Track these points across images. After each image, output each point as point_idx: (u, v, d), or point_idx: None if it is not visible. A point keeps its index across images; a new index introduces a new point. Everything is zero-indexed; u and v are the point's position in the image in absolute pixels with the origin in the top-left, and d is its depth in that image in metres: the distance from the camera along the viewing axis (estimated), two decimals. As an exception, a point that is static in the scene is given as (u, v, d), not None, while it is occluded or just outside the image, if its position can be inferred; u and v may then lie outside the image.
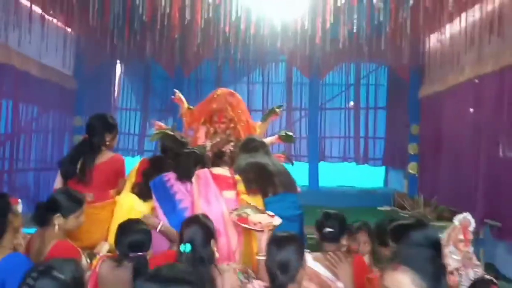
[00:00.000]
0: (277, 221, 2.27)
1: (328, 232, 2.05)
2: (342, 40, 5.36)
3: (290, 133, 3.72)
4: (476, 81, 5.09)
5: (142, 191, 2.91)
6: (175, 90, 3.78)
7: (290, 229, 2.21)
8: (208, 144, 3.48)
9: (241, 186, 2.56)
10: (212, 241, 1.91)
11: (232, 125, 3.45)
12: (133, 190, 2.97)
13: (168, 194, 2.64)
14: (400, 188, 7.23)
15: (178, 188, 2.65)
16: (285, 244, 1.61)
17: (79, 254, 2.26)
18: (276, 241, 1.65)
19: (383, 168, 8.32)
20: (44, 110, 6.19)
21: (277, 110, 3.70)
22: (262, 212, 2.32)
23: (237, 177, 2.65)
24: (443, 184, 5.86)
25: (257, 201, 2.54)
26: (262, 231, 2.20)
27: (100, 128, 2.95)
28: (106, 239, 2.79)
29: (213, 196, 2.51)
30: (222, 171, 2.73)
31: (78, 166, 2.86)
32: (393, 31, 5.61)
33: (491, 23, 4.63)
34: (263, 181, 2.47)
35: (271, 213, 2.32)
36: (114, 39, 5.60)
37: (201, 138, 3.49)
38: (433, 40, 5.98)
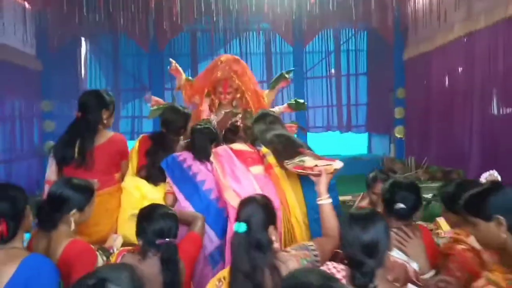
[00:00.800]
0: (338, 164, 1.97)
1: (399, 209, 1.74)
2: (331, 1, 5.14)
3: (301, 100, 3.42)
4: (465, 39, 5.02)
5: (151, 174, 2.58)
6: (171, 60, 3.37)
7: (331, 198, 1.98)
8: (213, 117, 3.15)
9: (271, 159, 2.30)
10: (272, 228, 1.60)
11: (238, 95, 3.11)
12: (138, 174, 2.62)
13: (187, 176, 2.33)
14: (384, 154, 7.21)
15: (198, 169, 2.35)
16: (371, 222, 1.35)
17: (96, 253, 1.95)
18: (359, 219, 1.37)
19: (366, 135, 8.27)
20: (8, 95, 5.57)
21: (287, 75, 3.37)
22: (320, 158, 2.06)
23: (263, 149, 2.37)
24: (433, 145, 5.86)
25: (291, 172, 2.29)
26: (319, 175, 1.90)
27: (96, 105, 2.55)
28: (115, 232, 2.47)
29: (241, 173, 2.23)
30: (242, 146, 2.45)
31: (76, 149, 2.47)
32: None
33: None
34: (294, 152, 2.22)
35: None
36: (79, 13, 5.06)
37: (205, 112, 3.15)
38: None
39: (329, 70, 7.81)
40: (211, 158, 2.39)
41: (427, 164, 5.74)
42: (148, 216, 1.89)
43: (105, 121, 2.57)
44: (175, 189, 2.33)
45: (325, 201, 1.85)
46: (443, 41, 5.43)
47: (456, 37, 5.17)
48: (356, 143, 8.60)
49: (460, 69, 5.18)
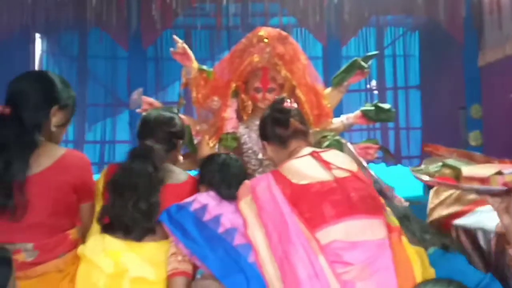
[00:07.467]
0: None
1: None
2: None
3: (386, 106, 2.63)
4: None
5: (122, 222, 1.83)
6: (175, 37, 2.63)
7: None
8: (244, 131, 2.43)
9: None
10: None
11: (285, 94, 2.39)
12: (99, 222, 1.85)
13: (215, 237, 1.58)
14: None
15: (233, 221, 1.60)
16: None
17: None
18: None
19: (419, 169, 7.59)
20: None
21: (364, 64, 2.63)
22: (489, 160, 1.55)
23: None
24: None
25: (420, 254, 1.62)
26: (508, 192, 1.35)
27: (39, 96, 1.79)
28: None
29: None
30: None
31: None
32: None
33: None
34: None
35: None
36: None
37: (231, 121, 2.42)
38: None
39: (370, 81, 7.22)
40: (242, 206, 1.66)
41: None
42: None
43: (53, 129, 1.82)
44: (198, 263, 1.57)
45: None
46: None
47: None
48: (408, 181, 7.86)
49: None
